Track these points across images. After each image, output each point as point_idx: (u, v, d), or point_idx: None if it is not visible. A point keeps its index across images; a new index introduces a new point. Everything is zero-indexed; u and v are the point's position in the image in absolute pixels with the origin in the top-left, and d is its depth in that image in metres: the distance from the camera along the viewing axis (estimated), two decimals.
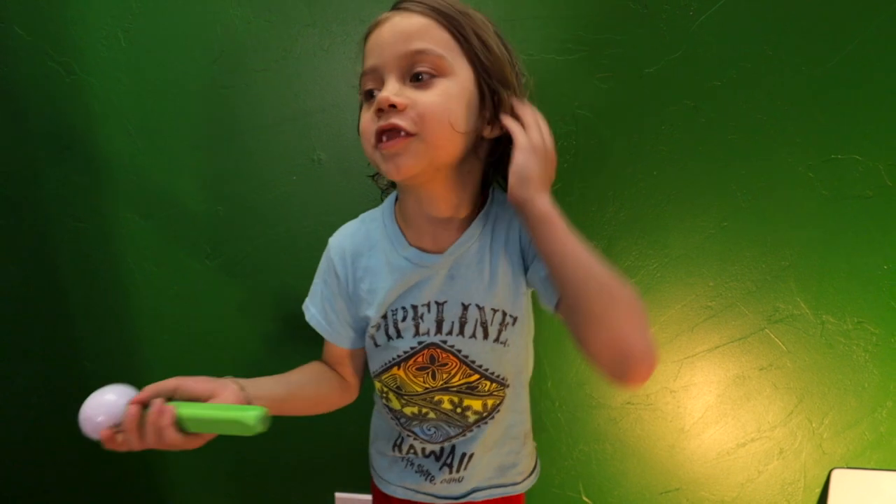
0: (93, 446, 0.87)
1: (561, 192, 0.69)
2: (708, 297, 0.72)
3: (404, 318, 0.55)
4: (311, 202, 0.73)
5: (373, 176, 0.60)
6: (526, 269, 0.54)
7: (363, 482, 0.83)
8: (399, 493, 0.63)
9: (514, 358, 0.57)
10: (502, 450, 0.62)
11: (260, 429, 0.43)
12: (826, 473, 0.76)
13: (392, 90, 0.45)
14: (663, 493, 0.79)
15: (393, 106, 0.45)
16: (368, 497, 0.83)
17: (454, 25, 0.46)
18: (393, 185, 0.59)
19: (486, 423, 0.59)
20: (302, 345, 0.79)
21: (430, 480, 0.61)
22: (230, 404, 0.46)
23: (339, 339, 0.60)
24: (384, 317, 0.56)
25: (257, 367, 0.81)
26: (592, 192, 0.69)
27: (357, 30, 0.67)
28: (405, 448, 0.62)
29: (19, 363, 0.86)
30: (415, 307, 0.55)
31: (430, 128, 0.45)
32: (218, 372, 0.80)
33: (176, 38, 0.70)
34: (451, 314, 0.54)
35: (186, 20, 0.69)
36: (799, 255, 0.69)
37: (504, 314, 0.55)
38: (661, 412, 0.76)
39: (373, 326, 0.57)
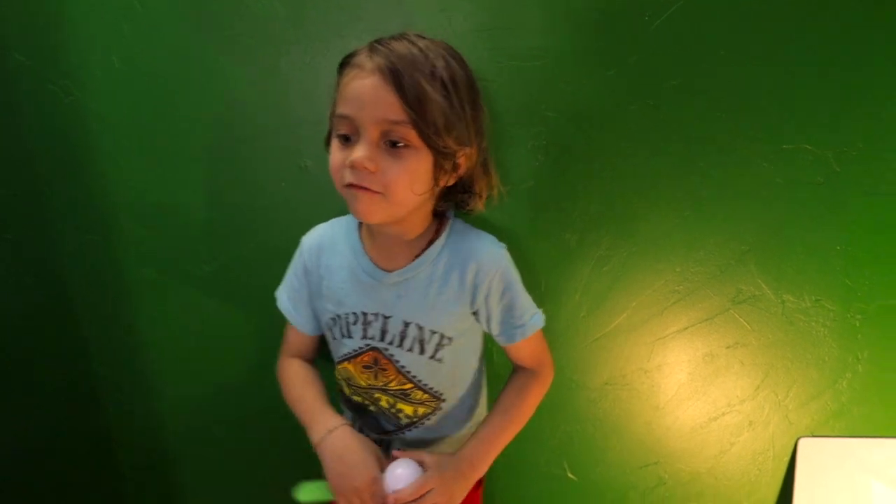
0: (103, 449, 0.92)
1: (533, 189, 0.73)
2: (675, 282, 0.76)
3: (355, 322, 0.62)
4: (299, 207, 0.78)
5: None
6: (473, 309, 0.62)
7: None
8: None
9: (449, 373, 0.64)
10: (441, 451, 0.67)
11: None
12: (793, 442, 0.82)
13: (366, 154, 0.50)
14: (642, 466, 0.85)
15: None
16: None
17: (421, 115, 0.50)
18: None
19: (416, 427, 0.66)
20: None
21: None
22: None
23: (303, 326, 0.68)
24: (338, 316, 0.63)
25: (256, 367, 0.85)
26: (563, 188, 0.74)
27: (338, 46, 0.71)
28: (357, 430, 0.68)
29: (28, 370, 0.91)
30: (365, 314, 0.62)
31: (394, 193, 0.52)
32: (219, 373, 0.85)
33: (167, 58, 0.74)
34: (394, 328, 0.61)
35: (177, 41, 0.73)
36: (758, 240, 0.74)
37: (442, 336, 0.61)
38: (636, 391, 0.81)
39: (330, 320, 0.64)
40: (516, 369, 0.68)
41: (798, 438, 0.81)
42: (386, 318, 0.61)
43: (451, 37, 0.68)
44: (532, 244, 0.76)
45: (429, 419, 0.66)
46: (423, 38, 0.54)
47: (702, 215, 0.74)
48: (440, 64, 0.51)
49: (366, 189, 0.52)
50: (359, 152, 0.50)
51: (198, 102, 0.75)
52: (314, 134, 0.75)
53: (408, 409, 0.65)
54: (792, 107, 0.69)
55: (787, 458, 0.83)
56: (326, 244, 0.65)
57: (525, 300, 0.63)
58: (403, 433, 0.67)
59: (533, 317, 0.64)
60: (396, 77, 0.49)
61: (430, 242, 0.61)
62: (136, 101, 0.76)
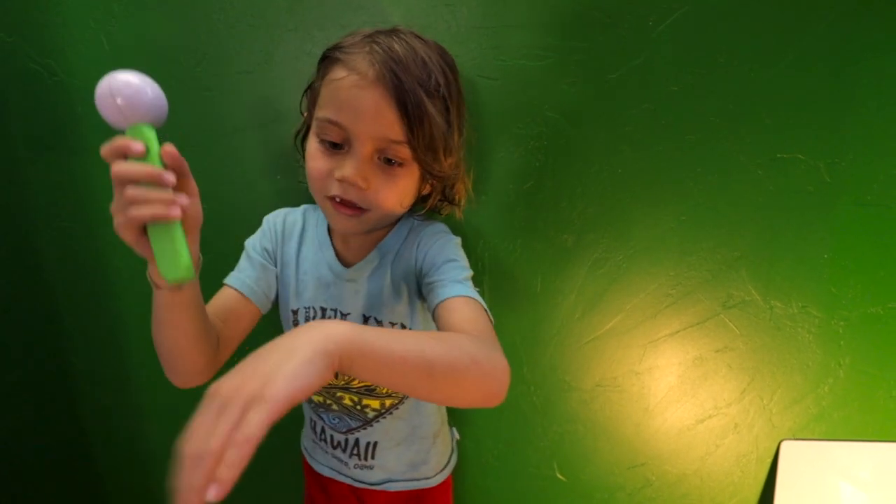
0: (78, 443, 0.89)
1: (532, 189, 0.73)
2: (669, 286, 0.77)
3: (314, 317, 0.60)
4: (292, 202, 0.76)
5: None
6: (419, 290, 0.58)
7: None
8: (326, 472, 0.69)
9: None
10: (411, 448, 0.66)
11: (180, 277, 0.41)
12: (776, 445, 0.84)
13: (359, 172, 0.48)
14: (630, 467, 0.85)
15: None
16: None
17: (421, 137, 0.48)
18: None
19: (384, 417, 0.64)
20: None
21: (345, 465, 0.67)
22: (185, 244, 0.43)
23: (244, 286, 0.59)
24: (295, 311, 0.61)
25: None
26: (562, 189, 0.74)
27: (339, 35, 0.69)
28: (318, 431, 0.68)
29: (3, 362, 0.87)
30: (324, 309, 0.60)
31: (381, 208, 0.51)
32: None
33: (158, 40, 0.71)
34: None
35: (169, 24, 0.71)
36: (749, 246, 0.75)
37: (402, 326, 0.59)
38: (627, 393, 0.82)
39: (290, 312, 0.62)
40: None
41: (781, 441, 0.83)
42: (344, 314, 0.59)
43: (453, 32, 0.68)
44: (529, 244, 0.76)
45: (396, 408, 0.64)
46: (418, 37, 0.52)
47: (696, 220, 0.74)
48: (441, 80, 0.49)
49: (350, 206, 0.50)
50: (351, 168, 0.48)
51: (188, 90, 0.73)
52: None
53: (374, 404, 0.63)
54: (787, 116, 0.70)
55: (769, 460, 0.84)
56: (296, 231, 0.63)
57: (462, 263, 0.56)
58: (371, 425, 0.64)
59: (465, 282, 0.53)
60: (401, 95, 0.46)
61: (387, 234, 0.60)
62: None
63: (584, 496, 0.87)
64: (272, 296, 0.63)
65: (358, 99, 0.47)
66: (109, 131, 0.75)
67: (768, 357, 0.80)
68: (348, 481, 0.68)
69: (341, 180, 0.49)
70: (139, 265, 0.81)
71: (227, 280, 0.61)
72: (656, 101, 0.70)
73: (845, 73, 0.69)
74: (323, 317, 0.60)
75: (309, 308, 0.61)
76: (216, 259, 0.80)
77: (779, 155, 0.72)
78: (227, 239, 0.78)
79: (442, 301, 0.50)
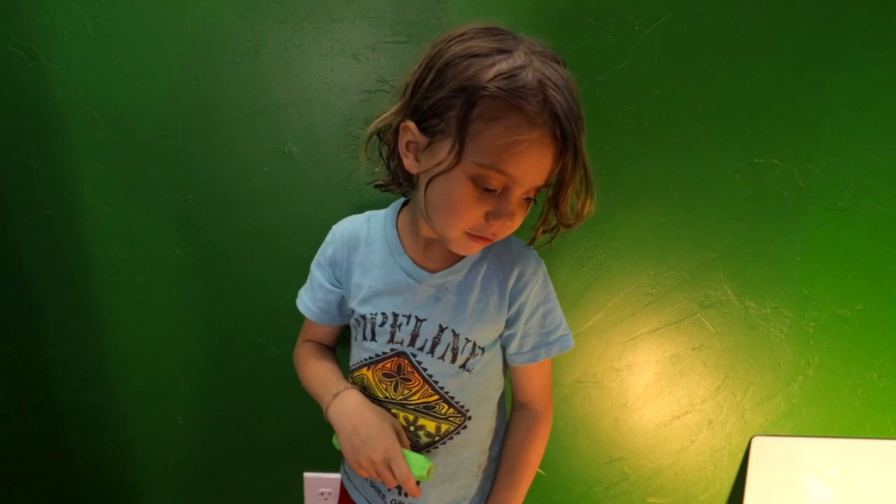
0: (53, 431, 0.87)
1: None
2: (649, 285, 0.79)
3: (382, 324, 0.58)
4: (281, 192, 0.76)
5: (380, 185, 0.62)
6: (507, 319, 0.59)
7: (330, 463, 0.87)
8: (360, 501, 0.67)
9: (477, 386, 0.59)
10: (455, 484, 0.62)
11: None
12: (747, 440, 0.87)
13: (515, 219, 0.50)
14: (608, 462, 0.88)
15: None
16: (336, 476, 0.87)
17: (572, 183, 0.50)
18: (405, 193, 0.62)
19: (436, 447, 0.60)
20: (272, 333, 0.82)
21: (382, 497, 0.63)
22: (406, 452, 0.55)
23: (321, 318, 0.64)
24: (363, 317, 0.59)
25: (224, 356, 0.83)
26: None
27: (329, 28, 0.70)
28: None
29: None
30: (395, 315, 0.58)
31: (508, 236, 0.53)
32: (182, 359, 0.82)
33: (145, 27, 0.70)
34: (427, 332, 0.57)
35: (156, 10, 0.70)
36: (726, 248, 0.78)
37: (475, 345, 0.58)
38: (606, 389, 0.84)
39: (354, 321, 0.61)
40: (519, 411, 0.64)
41: (752, 437, 0.86)
42: (420, 320, 0.57)
43: (444, 29, 0.68)
44: None
45: (451, 438, 0.60)
46: (559, 62, 0.49)
47: (676, 222, 0.77)
48: (583, 117, 0.48)
49: (488, 239, 0.51)
50: (509, 218, 0.49)
51: (175, 78, 0.72)
52: (299, 118, 0.74)
53: (430, 426, 0.59)
54: (765, 123, 0.73)
55: (741, 455, 0.87)
56: (362, 238, 0.61)
57: (560, 316, 0.62)
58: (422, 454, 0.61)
59: (564, 336, 0.61)
60: (566, 147, 0.47)
61: None
62: (107, 71, 0.72)
63: (563, 489, 0.89)
64: (346, 310, 0.64)
65: (529, 153, 0.46)
66: (91, 117, 0.74)
67: (742, 355, 0.82)
68: None
69: (497, 229, 0.50)
70: (118, 253, 0.81)
71: (317, 321, 0.66)
72: (641, 105, 0.72)
73: (820, 83, 0.71)
74: (395, 323, 0.58)
75: (377, 314, 0.58)
76: (202, 248, 0.79)
77: (756, 160, 0.74)
78: (213, 227, 0.78)
79: (529, 366, 0.61)
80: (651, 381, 0.84)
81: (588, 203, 0.52)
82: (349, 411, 0.56)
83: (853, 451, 0.85)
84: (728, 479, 0.89)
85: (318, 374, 0.63)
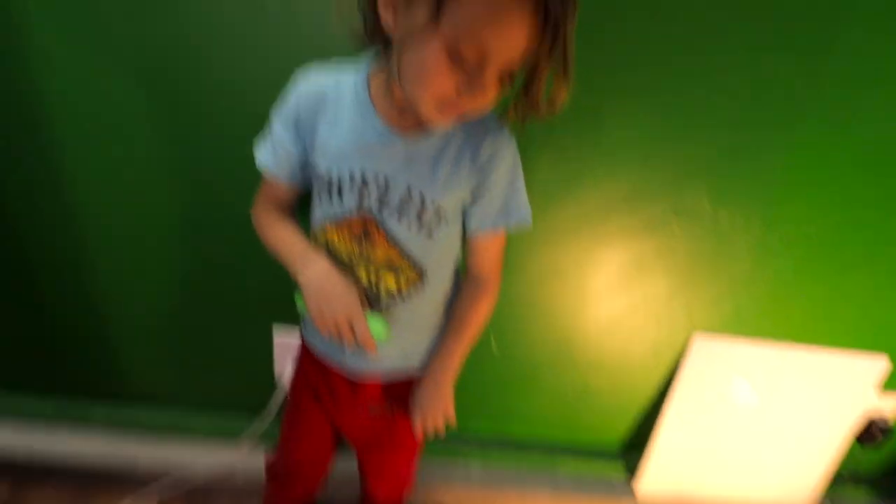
0: (28, 291, 0.88)
1: None
2: (628, 187, 0.79)
3: (350, 183, 0.58)
4: (251, 45, 0.69)
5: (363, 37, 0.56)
6: (473, 189, 0.60)
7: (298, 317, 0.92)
8: (319, 348, 0.70)
9: (436, 253, 0.62)
10: (409, 338, 0.67)
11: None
12: (689, 339, 0.93)
13: (490, 99, 0.49)
14: (558, 344, 0.94)
15: None
16: None
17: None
18: (378, 52, 0.56)
19: (395, 304, 0.63)
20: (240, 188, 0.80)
21: (340, 346, 0.67)
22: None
23: (284, 176, 0.63)
24: (330, 175, 0.59)
25: (195, 213, 0.83)
26: None
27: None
28: None
29: None
30: (363, 175, 0.57)
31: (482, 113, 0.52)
32: (152, 212, 0.81)
33: None
34: (395, 194, 0.57)
35: None
36: (713, 157, 0.77)
37: (440, 210, 0.59)
38: (569, 281, 0.88)
39: (320, 178, 0.60)
40: (470, 280, 0.68)
41: (694, 334, 0.92)
42: (388, 182, 0.57)
43: None
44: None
45: (409, 296, 0.63)
46: None
47: (666, 126, 0.74)
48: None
49: (459, 114, 0.50)
50: (481, 93, 0.48)
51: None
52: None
53: (391, 280, 0.62)
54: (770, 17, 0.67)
55: (681, 350, 0.94)
56: (330, 98, 0.58)
57: (524, 193, 0.63)
58: (381, 311, 0.64)
59: (525, 212, 0.63)
60: (546, 35, 0.45)
61: None
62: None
63: (512, 366, 0.97)
64: (307, 170, 0.63)
65: (511, 27, 0.44)
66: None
67: (703, 262, 0.85)
68: (335, 366, 0.69)
69: (469, 106, 0.49)
70: (85, 107, 0.75)
71: (271, 173, 0.64)
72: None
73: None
74: (363, 183, 0.58)
75: (345, 174, 0.58)
76: (172, 104, 0.74)
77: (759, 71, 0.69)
78: (182, 81, 0.73)
79: (485, 236, 0.63)
80: (612, 277, 0.87)
81: (562, 93, 0.50)
82: (318, 275, 0.60)
83: (785, 358, 0.92)
84: (668, 373, 0.97)
85: (284, 239, 0.64)
